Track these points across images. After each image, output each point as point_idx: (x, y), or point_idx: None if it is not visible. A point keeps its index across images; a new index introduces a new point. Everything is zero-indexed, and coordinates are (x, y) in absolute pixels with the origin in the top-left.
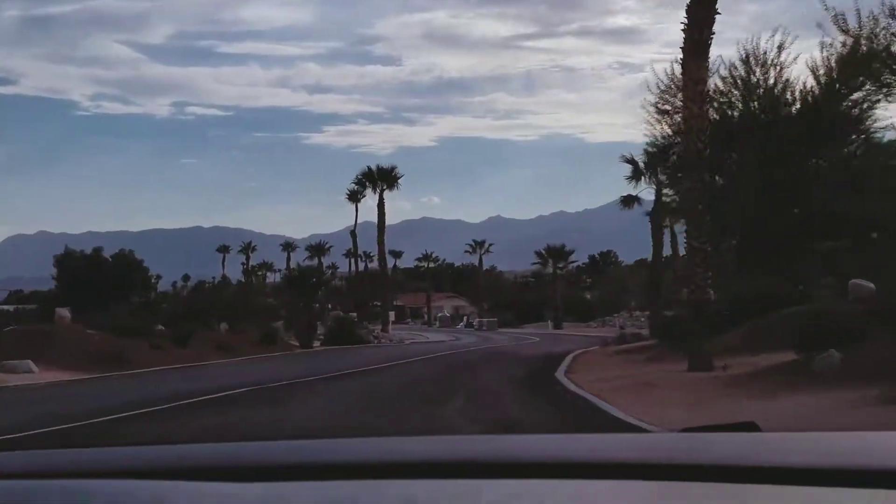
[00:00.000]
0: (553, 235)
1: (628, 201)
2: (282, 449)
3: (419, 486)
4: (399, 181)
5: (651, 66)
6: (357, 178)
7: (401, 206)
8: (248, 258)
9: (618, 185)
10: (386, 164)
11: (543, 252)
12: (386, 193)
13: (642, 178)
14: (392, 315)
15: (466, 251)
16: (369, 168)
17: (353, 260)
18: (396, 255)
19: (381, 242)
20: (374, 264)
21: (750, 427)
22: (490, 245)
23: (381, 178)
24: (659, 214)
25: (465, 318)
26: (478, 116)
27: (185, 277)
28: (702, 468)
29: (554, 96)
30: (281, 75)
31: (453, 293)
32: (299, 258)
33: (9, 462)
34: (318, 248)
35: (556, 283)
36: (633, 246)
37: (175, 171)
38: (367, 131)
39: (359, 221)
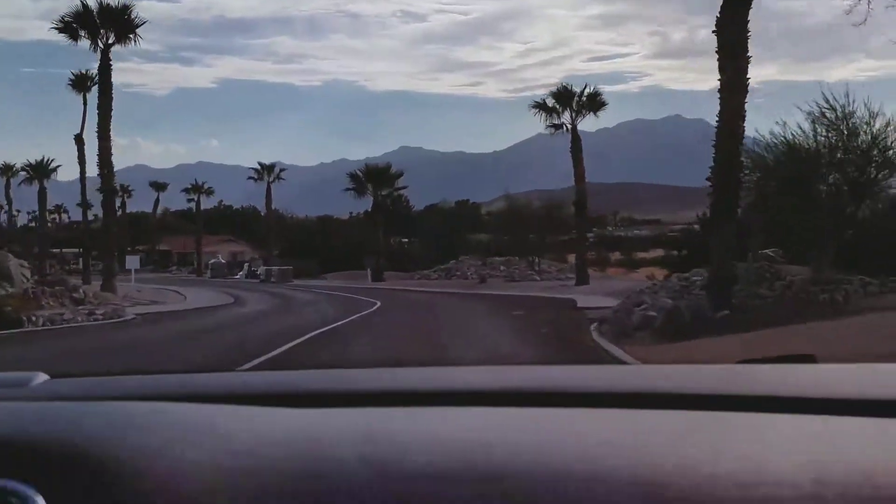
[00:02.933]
0: (336, 184)
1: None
2: (324, 377)
3: (466, 413)
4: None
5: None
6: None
7: (174, 150)
8: None
9: (399, 134)
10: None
11: (360, 174)
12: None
13: None
14: (135, 262)
15: (251, 177)
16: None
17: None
18: (160, 186)
19: (103, 135)
20: (142, 206)
21: (807, 359)
22: (281, 171)
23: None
24: None
25: (245, 266)
26: (260, 59)
27: None
28: (758, 399)
29: (338, 42)
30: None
31: (232, 237)
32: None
33: (63, 387)
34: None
35: (376, 217)
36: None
37: None
38: (142, 70)
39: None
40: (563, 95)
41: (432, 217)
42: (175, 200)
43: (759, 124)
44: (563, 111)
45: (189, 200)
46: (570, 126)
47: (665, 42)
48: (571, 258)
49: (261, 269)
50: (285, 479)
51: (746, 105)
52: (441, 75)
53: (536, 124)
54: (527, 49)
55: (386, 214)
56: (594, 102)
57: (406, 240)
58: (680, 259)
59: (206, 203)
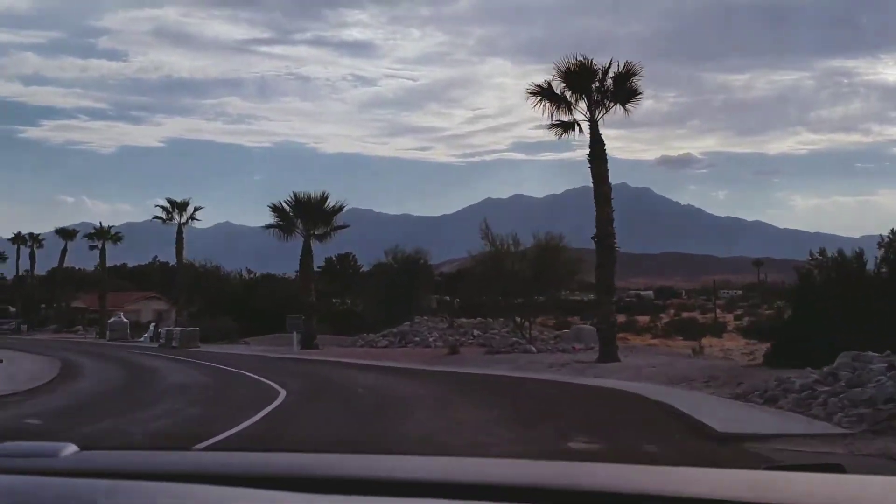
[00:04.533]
0: (284, 245)
1: None
2: (344, 462)
3: None
4: None
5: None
6: None
7: (121, 208)
8: None
9: (348, 195)
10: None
11: (286, 206)
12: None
13: None
14: None
15: (158, 217)
16: None
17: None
18: (68, 234)
19: None
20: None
21: (835, 468)
22: (196, 210)
23: None
24: None
25: (151, 326)
26: (209, 119)
27: None
28: None
29: (288, 104)
30: None
31: (159, 294)
32: None
33: (91, 460)
34: None
35: (307, 264)
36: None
37: None
38: (88, 128)
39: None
40: (579, 75)
41: (380, 274)
42: (120, 257)
43: (702, 192)
44: (576, 101)
45: (91, 248)
46: (587, 121)
47: (610, 113)
48: (575, 321)
49: (163, 331)
50: None
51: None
52: (390, 139)
53: (486, 189)
54: (475, 115)
55: (333, 270)
56: (624, 89)
57: (349, 301)
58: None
59: (141, 259)
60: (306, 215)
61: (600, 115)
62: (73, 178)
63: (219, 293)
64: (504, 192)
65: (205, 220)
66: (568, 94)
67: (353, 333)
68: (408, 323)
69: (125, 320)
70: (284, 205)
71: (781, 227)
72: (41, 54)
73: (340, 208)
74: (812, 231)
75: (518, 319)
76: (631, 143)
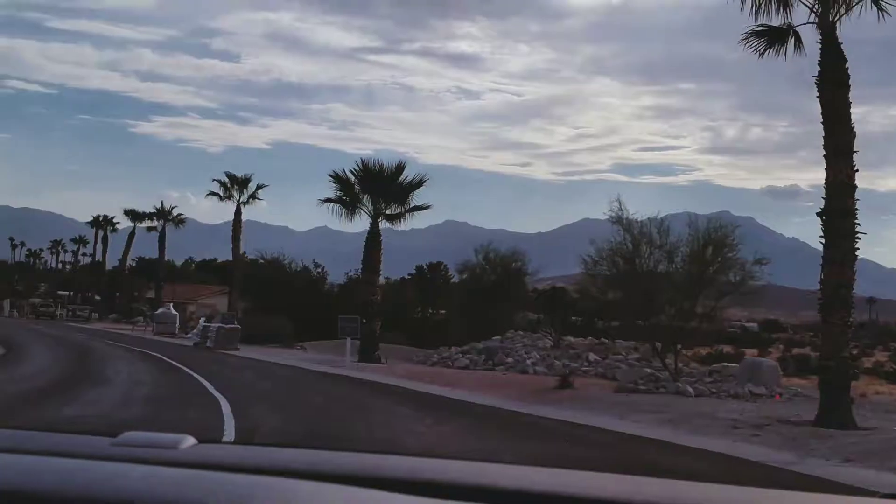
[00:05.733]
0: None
1: None
2: (440, 466)
3: None
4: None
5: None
6: None
7: (223, 207)
8: None
9: (445, 208)
10: None
11: (352, 175)
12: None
13: None
14: None
15: (213, 193)
16: None
17: None
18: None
19: None
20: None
21: None
22: (259, 188)
23: None
24: None
25: (201, 321)
26: (314, 124)
27: None
28: None
29: (392, 113)
30: (113, 58)
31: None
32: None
33: (209, 452)
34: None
35: (373, 249)
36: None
37: None
38: (198, 125)
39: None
40: None
41: (468, 280)
42: (215, 252)
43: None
44: None
45: (149, 230)
46: (815, 25)
47: (717, 137)
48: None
49: (199, 326)
50: None
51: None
52: (491, 153)
53: (584, 209)
54: (577, 134)
55: (423, 279)
56: None
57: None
58: None
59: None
60: (376, 189)
61: (837, 14)
62: (180, 174)
63: (279, 289)
64: (602, 214)
65: (303, 223)
66: None
67: (431, 346)
68: (497, 338)
69: (174, 312)
70: (350, 174)
71: (889, 266)
72: (157, 51)
73: (420, 183)
74: None
75: (657, 345)
76: (735, 170)
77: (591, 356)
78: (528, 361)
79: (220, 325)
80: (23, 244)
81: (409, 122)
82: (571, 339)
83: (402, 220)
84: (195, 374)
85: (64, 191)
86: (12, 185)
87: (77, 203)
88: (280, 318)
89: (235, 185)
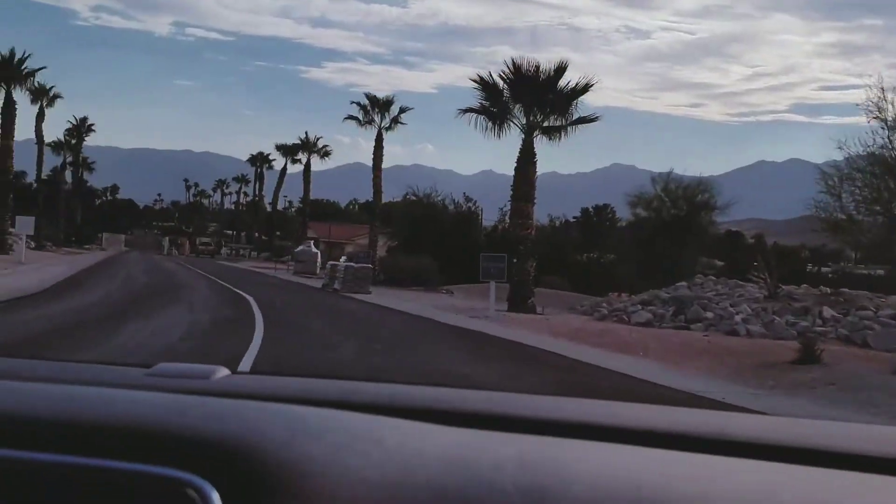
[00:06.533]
0: (543, 194)
1: None
2: (479, 397)
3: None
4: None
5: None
6: None
7: (392, 151)
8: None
9: (612, 151)
10: None
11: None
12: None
13: None
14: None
15: (352, 116)
16: None
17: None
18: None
19: None
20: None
21: None
22: (402, 112)
23: None
24: None
25: (342, 260)
26: (479, 68)
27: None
28: None
29: (558, 54)
30: (285, 5)
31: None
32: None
33: (241, 383)
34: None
35: (527, 163)
36: None
37: (170, 91)
38: (366, 71)
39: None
40: None
41: (642, 217)
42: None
43: None
44: None
45: (294, 161)
46: None
47: None
48: None
49: (328, 266)
50: (439, 499)
51: None
52: (661, 94)
53: (760, 151)
54: (754, 73)
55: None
56: None
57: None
58: None
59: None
60: (529, 96)
61: None
62: (350, 121)
63: (427, 227)
64: (779, 156)
65: (469, 167)
66: None
67: (597, 293)
68: (683, 284)
69: (314, 250)
70: (498, 78)
71: None
72: None
73: (586, 88)
74: None
75: None
76: None
77: (827, 310)
78: (738, 318)
79: (349, 263)
80: (196, 185)
81: (576, 64)
82: (795, 288)
83: (562, 134)
84: (273, 330)
85: (240, 135)
86: (195, 130)
87: (252, 148)
88: (426, 259)
89: (376, 108)
